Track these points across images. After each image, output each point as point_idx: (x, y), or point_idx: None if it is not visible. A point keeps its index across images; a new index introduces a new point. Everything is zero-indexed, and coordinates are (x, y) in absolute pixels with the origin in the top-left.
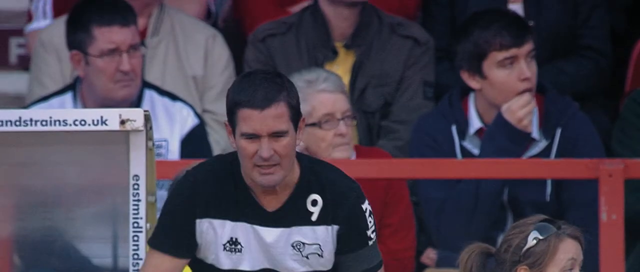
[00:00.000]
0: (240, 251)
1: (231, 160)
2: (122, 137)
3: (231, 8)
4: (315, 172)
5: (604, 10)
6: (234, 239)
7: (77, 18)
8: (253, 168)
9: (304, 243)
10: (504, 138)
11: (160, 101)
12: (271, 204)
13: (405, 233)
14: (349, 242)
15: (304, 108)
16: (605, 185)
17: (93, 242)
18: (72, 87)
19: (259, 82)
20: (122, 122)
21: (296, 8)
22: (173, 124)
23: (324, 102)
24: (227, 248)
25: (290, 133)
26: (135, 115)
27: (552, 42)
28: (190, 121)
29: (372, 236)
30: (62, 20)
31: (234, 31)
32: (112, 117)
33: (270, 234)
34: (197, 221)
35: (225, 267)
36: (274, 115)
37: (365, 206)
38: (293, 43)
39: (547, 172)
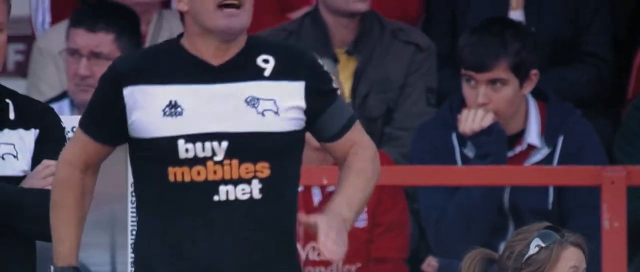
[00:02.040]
0: (181, 114)
1: (166, 40)
2: (121, 152)
3: None
4: (263, 39)
5: (605, 17)
6: (173, 102)
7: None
8: (216, 11)
9: (258, 98)
10: (477, 147)
11: None
12: (218, 60)
13: (397, 234)
14: (320, 96)
15: None
16: (608, 192)
17: (91, 250)
18: (68, 93)
19: None
20: None
21: (296, 14)
22: None
23: None
24: (167, 113)
25: None
26: None
27: (554, 48)
28: None
29: (337, 87)
30: (60, 26)
31: None
32: None
33: (217, 90)
34: (125, 90)
35: (166, 134)
36: None
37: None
38: None
39: (548, 179)
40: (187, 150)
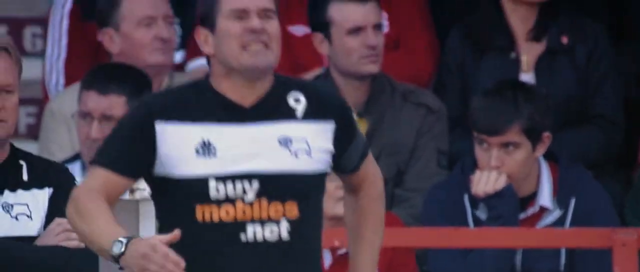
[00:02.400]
0: (214, 153)
1: (193, 81)
2: (132, 206)
3: None
4: (289, 78)
5: (615, 79)
6: (206, 141)
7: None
8: (241, 51)
9: (291, 138)
10: (490, 209)
11: None
12: (247, 100)
13: None
14: (347, 135)
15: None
16: (619, 254)
17: None
18: (80, 156)
19: None
20: (132, 191)
21: (308, 75)
22: None
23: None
24: (200, 152)
25: (277, 20)
26: (144, 185)
27: (564, 111)
28: None
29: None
30: (73, 88)
31: None
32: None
33: (250, 130)
34: (157, 125)
35: (198, 173)
36: None
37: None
38: None
39: (560, 242)
40: (218, 190)
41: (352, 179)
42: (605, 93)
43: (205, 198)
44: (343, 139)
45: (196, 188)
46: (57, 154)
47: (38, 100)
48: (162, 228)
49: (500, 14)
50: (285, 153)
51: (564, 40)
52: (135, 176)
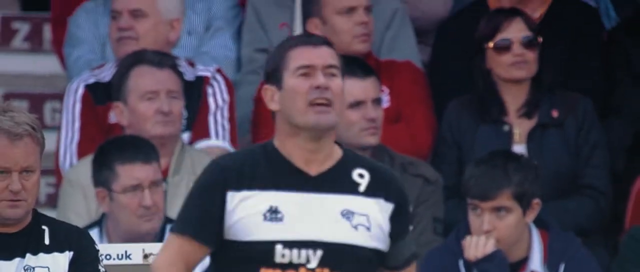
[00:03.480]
0: (281, 219)
1: (261, 144)
2: (146, 270)
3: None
4: (358, 155)
5: (604, 151)
6: (273, 208)
7: (101, 157)
8: (307, 108)
9: (353, 212)
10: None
11: None
12: (314, 169)
13: None
14: (401, 224)
15: None
16: None
17: None
18: (98, 223)
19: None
20: (146, 256)
21: None
22: None
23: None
24: (268, 217)
25: (341, 78)
26: (157, 250)
27: (555, 181)
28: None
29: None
30: (88, 159)
31: None
32: (136, 252)
33: (315, 199)
34: (229, 193)
35: (265, 238)
36: (327, 52)
37: None
38: None
39: None
40: (283, 255)
41: None
42: (594, 164)
43: (270, 262)
44: (397, 227)
45: (262, 252)
46: (75, 221)
47: (57, 171)
48: None
49: (493, 90)
50: (346, 225)
51: (555, 114)
52: (211, 245)
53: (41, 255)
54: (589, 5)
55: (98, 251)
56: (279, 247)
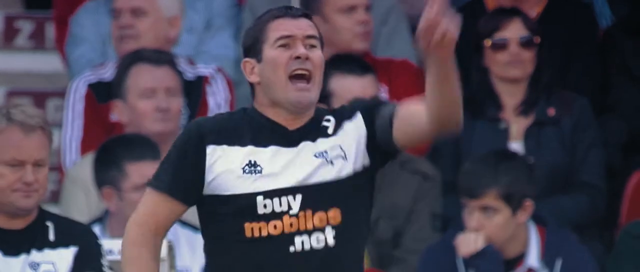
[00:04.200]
0: (260, 172)
1: (241, 108)
2: None
3: None
4: (325, 109)
5: (600, 149)
6: (252, 162)
7: (106, 156)
8: (287, 83)
9: (325, 151)
10: (475, 268)
11: (183, 232)
12: (292, 125)
13: None
14: (370, 110)
15: None
16: None
17: None
18: (99, 219)
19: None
20: None
21: None
22: (195, 254)
23: None
24: (247, 171)
25: (320, 50)
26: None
27: (551, 178)
28: None
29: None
30: (87, 157)
31: None
32: None
33: (292, 151)
34: (209, 148)
35: (245, 191)
36: (307, 23)
37: None
38: None
39: None
40: (265, 206)
41: (402, 121)
42: (590, 162)
43: (253, 214)
44: (370, 114)
45: (244, 205)
46: (76, 218)
47: (60, 168)
48: (210, 249)
49: (490, 88)
50: (322, 163)
51: (551, 112)
52: (188, 202)
53: (46, 251)
54: (584, 4)
55: (102, 246)
56: (260, 199)
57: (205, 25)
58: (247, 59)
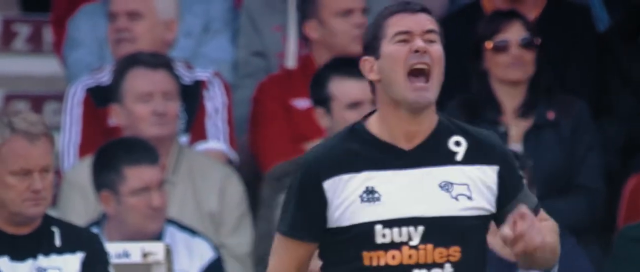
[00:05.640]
0: (379, 199)
1: (347, 126)
2: (145, 269)
3: (248, 144)
4: (452, 120)
5: (598, 153)
6: (369, 188)
7: (105, 159)
8: (405, 80)
9: (451, 183)
10: None
11: (181, 236)
12: (410, 142)
13: None
14: (511, 179)
15: None
16: None
17: None
18: (96, 223)
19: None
20: (145, 256)
21: (308, 145)
22: (192, 258)
23: None
24: (365, 199)
25: (440, 45)
26: (156, 249)
27: (550, 180)
28: (208, 255)
29: (523, 176)
30: (85, 160)
31: (250, 167)
32: (135, 251)
33: (411, 175)
34: (325, 183)
35: (364, 220)
36: (426, 18)
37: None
38: None
39: None
40: (384, 235)
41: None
42: (588, 164)
43: (371, 244)
44: (508, 187)
45: (362, 234)
46: (73, 221)
47: (58, 172)
48: None
49: (489, 91)
50: (446, 197)
51: (550, 115)
52: (316, 239)
53: (53, 256)
54: (582, 8)
55: (108, 253)
56: (378, 228)
57: (203, 29)
58: (365, 57)
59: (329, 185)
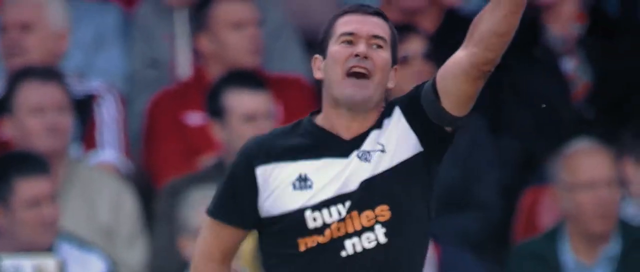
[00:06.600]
0: (310, 187)
1: (297, 120)
2: None
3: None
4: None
5: (494, 169)
6: (302, 176)
7: None
8: (343, 78)
9: (368, 151)
10: None
11: (73, 250)
12: (350, 132)
13: None
14: (416, 100)
15: None
16: None
17: None
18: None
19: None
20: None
21: (203, 161)
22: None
23: None
24: (296, 186)
25: (387, 52)
26: (48, 264)
27: (446, 196)
28: (101, 269)
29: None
30: None
31: (143, 182)
32: (27, 267)
33: (345, 161)
34: (257, 169)
35: (294, 207)
36: (376, 22)
37: None
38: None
39: None
40: (314, 219)
41: (443, 80)
42: (485, 180)
43: (305, 230)
44: (414, 105)
45: (294, 222)
46: None
47: None
48: (268, 265)
49: None
50: (365, 165)
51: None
52: (247, 227)
53: None
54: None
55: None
56: (308, 213)
57: (95, 40)
58: (316, 55)
59: (261, 171)
